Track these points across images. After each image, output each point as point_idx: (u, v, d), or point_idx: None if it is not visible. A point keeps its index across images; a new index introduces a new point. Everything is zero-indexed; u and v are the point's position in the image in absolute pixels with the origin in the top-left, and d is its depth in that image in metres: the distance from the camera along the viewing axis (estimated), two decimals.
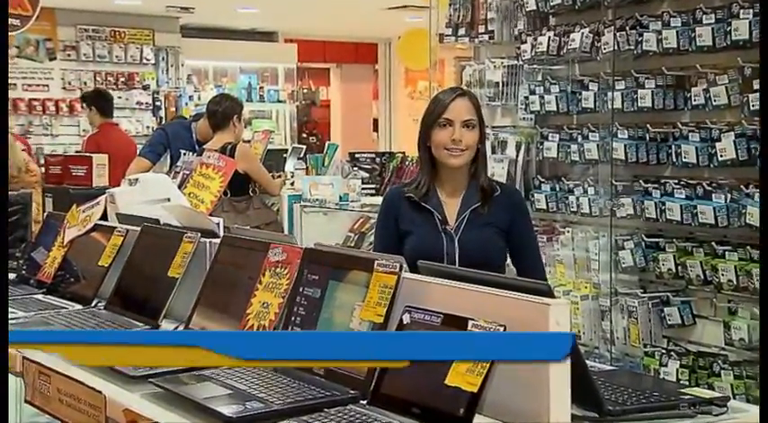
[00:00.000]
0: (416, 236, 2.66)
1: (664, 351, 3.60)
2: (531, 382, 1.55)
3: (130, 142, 7.17)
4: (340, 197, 5.34)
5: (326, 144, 6.20)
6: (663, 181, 3.66)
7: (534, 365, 1.54)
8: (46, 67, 9.48)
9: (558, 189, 4.12)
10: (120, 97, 9.65)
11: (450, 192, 2.67)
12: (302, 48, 11.96)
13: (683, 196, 3.53)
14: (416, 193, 2.66)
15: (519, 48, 4.24)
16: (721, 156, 3.38)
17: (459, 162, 2.62)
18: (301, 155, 6.31)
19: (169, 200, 3.27)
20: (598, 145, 3.90)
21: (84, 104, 7.06)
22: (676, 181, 3.59)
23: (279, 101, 11.40)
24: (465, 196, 2.65)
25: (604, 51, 3.81)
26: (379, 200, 5.50)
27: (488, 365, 1.54)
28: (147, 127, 9.68)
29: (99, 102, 6.96)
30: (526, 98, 4.22)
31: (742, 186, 3.35)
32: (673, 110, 3.66)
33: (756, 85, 3.23)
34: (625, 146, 3.74)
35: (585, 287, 3.99)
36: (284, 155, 6.72)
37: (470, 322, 1.61)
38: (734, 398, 2.77)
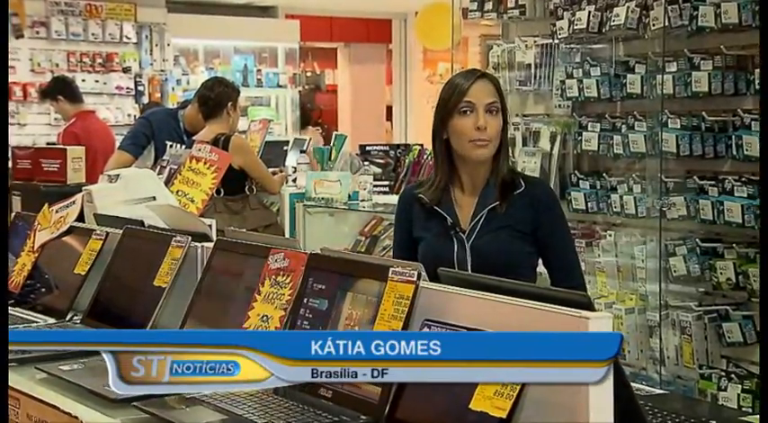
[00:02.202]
0: (425, 242, 2.68)
1: (722, 373, 3.60)
2: (568, 408, 1.56)
3: (110, 133, 7.20)
4: (349, 196, 5.36)
5: (333, 135, 6.22)
6: (721, 177, 3.66)
7: (572, 388, 1.55)
8: (12, 47, 9.52)
9: (598, 186, 4.12)
10: (97, 81, 9.69)
11: (468, 190, 2.67)
12: (306, 25, 11.98)
13: (745, 195, 3.53)
14: (428, 195, 2.67)
15: (554, 24, 4.25)
16: None
17: (487, 154, 2.61)
18: (305, 147, 6.33)
19: (155, 199, 3.30)
20: (646, 136, 3.90)
21: (49, 99, 7.04)
22: (737, 177, 3.59)
23: (279, 85, 11.42)
24: (482, 194, 2.65)
25: (653, 28, 3.81)
26: (393, 199, 5.55)
27: (519, 387, 1.55)
28: (129, 115, 9.72)
29: (64, 89, 6.95)
30: (562, 82, 4.23)
31: None
32: (733, 95, 3.66)
33: None
34: (677, 137, 3.74)
35: (631, 299, 3.99)
36: (285, 147, 6.75)
37: None
38: None
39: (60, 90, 6.92)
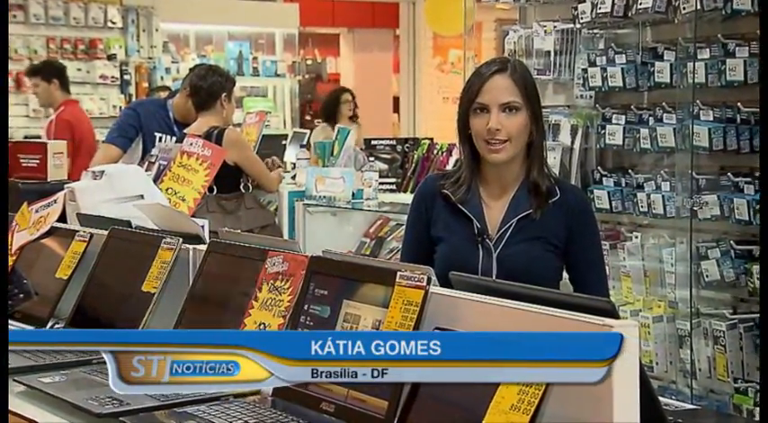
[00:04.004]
0: (447, 245, 2.65)
1: (759, 387, 3.59)
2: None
3: (92, 126, 7.24)
4: (353, 194, 5.36)
5: (336, 128, 6.23)
6: (758, 174, 3.65)
7: (595, 404, 1.56)
8: None
9: (623, 184, 4.12)
10: (79, 70, 9.70)
11: (496, 192, 2.65)
12: (305, 8, 11.99)
13: None
14: (454, 192, 2.65)
15: (576, 8, 4.25)
16: None
17: (501, 157, 2.59)
18: (304, 142, 6.34)
19: (143, 197, 3.31)
20: (675, 129, 3.90)
21: (39, 78, 7.07)
22: None
23: (277, 74, 11.44)
24: (514, 199, 2.63)
25: (684, 11, 3.81)
26: (400, 197, 5.56)
27: (536, 402, 1.56)
28: (114, 107, 9.74)
29: (60, 74, 7.01)
30: (585, 71, 4.23)
31: None
32: None
33: None
34: (709, 130, 3.74)
35: (659, 306, 3.99)
36: (283, 141, 6.76)
37: None
38: None
39: (56, 73, 6.98)
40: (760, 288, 3.34)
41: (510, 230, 2.61)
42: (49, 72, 7.01)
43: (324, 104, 8.97)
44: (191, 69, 5.73)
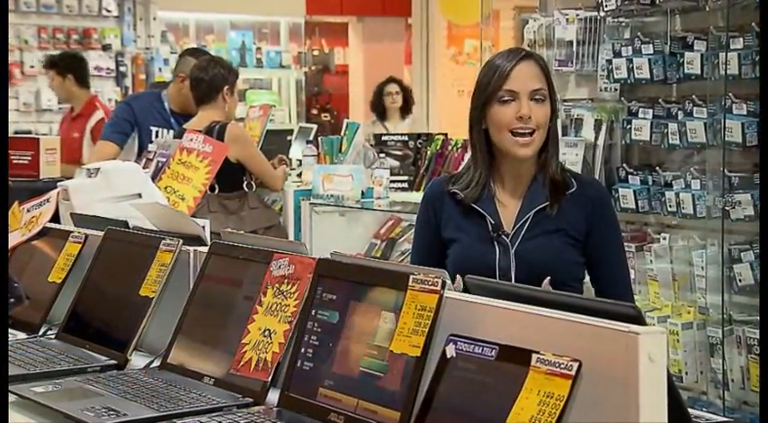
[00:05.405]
0: (461, 245, 2.68)
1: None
2: None
3: None
4: (362, 193, 5.38)
5: (344, 123, 6.24)
6: None
7: (621, 416, 1.56)
8: None
9: (651, 182, 4.12)
10: None
11: (510, 187, 2.69)
12: None
13: None
14: (466, 192, 2.67)
15: None
16: None
17: (530, 151, 2.62)
18: (311, 137, 6.36)
19: (140, 196, 3.32)
20: (706, 123, 3.90)
21: (54, 72, 7.08)
22: None
23: (282, 66, 11.46)
24: (529, 193, 2.66)
25: None
26: (412, 196, 5.57)
27: (558, 413, 1.57)
28: (109, 100, 9.77)
29: (75, 68, 7.02)
30: (609, 62, 4.22)
31: None
32: None
33: None
34: (742, 124, 3.74)
35: (688, 312, 3.98)
36: (289, 137, 6.78)
37: (534, 356, 1.64)
38: None
39: (72, 68, 6.98)
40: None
41: (527, 224, 2.64)
42: (65, 66, 7.01)
43: (372, 99, 9.30)
44: (180, 55, 5.74)
